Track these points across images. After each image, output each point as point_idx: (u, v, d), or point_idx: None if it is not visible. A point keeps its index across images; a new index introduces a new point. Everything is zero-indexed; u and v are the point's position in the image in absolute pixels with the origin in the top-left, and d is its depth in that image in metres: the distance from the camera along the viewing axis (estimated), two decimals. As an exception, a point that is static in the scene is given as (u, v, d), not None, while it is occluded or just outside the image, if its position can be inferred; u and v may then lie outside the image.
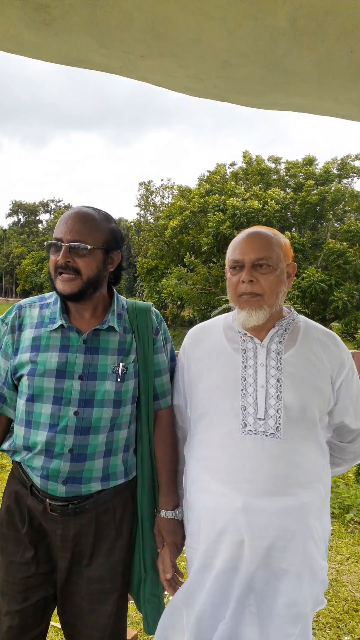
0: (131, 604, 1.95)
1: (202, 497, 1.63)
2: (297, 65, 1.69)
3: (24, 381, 1.60)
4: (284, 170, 31.60)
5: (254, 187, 28.22)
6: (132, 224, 48.38)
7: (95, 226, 1.61)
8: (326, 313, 25.61)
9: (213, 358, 1.70)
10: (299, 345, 1.64)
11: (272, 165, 31.40)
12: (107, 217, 1.67)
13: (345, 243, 24.87)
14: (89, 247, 1.57)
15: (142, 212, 48.14)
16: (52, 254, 1.60)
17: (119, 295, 1.78)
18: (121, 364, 1.64)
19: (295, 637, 1.52)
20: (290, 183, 30.42)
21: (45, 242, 1.63)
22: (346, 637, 2.69)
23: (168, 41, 1.55)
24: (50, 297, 1.73)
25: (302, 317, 1.74)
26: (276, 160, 31.99)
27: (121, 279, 1.83)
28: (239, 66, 1.67)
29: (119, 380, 1.63)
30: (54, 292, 1.75)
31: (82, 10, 1.40)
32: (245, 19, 1.45)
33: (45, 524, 1.60)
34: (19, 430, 1.62)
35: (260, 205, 25.70)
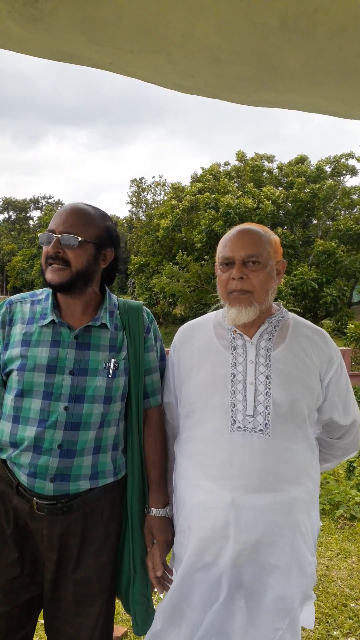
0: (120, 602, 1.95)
1: (191, 493, 1.64)
2: (287, 62, 1.69)
3: (14, 376, 1.59)
4: (276, 168, 31.65)
5: (247, 184, 28.21)
6: (124, 221, 48.26)
7: (88, 220, 1.62)
8: (317, 310, 25.72)
9: (203, 355, 1.71)
10: (288, 343, 1.65)
11: (265, 164, 31.44)
12: (103, 215, 1.69)
13: (334, 242, 24.95)
14: (80, 239, 1.57)
15: (134, 209, 48.03)
16: (44, 245, 1.60)
17: (111, 293, 1.78)
18: (112, 360, 1.64)
19: (283, 631, 1.53)
20: (283, 181, 30.49)
21: (39, 234, 1.64)
22: (335, 632, 2.71)
23: (158, 37, 1.54)
24: (42, 293, 1.73)
25: (291, 314, 1.75)
26: (269, 159, 32.04)
27: (115, 279, 1.82)
28: (229, 63, 1.67)
29: (110, 376, 1.62)
30: (45, 288, 1.75)
31: (71, 5, 1.39)
32: (236, 16, 1.45)
33: (31, 524, 1.59)
34: (5, 426, 1.61)
35: (254, 204, 25.70)
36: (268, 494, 1.53)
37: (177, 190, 33.56)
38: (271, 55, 1.64)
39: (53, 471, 1.54)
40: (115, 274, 1.78)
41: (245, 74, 1.74)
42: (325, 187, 27.25)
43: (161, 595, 1.74)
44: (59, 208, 1.69)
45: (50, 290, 1.68)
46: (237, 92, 1.89)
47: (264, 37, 1.55)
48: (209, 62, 1.67)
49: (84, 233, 1.59)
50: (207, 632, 1.58)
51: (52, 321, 1.61)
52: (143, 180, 47.90)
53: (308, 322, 1.75)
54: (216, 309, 1.86)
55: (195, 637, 1.60)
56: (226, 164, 33.00)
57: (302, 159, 30.62)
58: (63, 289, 1.60)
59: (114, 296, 1.79)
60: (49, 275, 1.59)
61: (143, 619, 1.71)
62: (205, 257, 27.93)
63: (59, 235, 1.57)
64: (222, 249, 1.68)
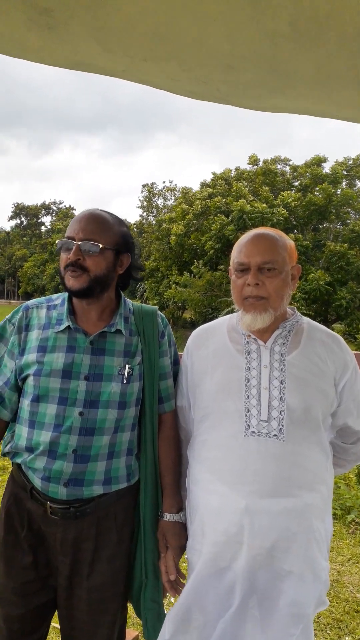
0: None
1: (205, 498, 1.63)
2: (298, 68, 1.70)
3: (30, 381, 1.60)
4: (289, 170, 31.44)
5: (263, 188, 28.08)
6: (135, 225, 48.42)
7: (107, 227, 1.63)
8: (328, 314, 25.58)
9: (217, 359, 1.71)
10: (302, 347, 1.65)
11: (279, 167, 31.25)
12: (119, 221, 1.70)
13: (345, 245, 24.78)
14: (100, 246, 1.59)
15: (145, 214, 48.20)
16: (63, 252, 1.62)
17: (126, 298, 1.79)
18: (127, 366, 1.64)
19: (297, 637, 1.52)
20: (296, 184, 30.28)
21: (57, 241, 1.65)
22: (347, 638, 2.69)
23: (171, 45, 1.56)
24: (57, 298, 1.74)
25: (305, 319, 1.74)
26: (282, 162, 31.85)
27: (129, 285, 1.84)
28: (241, 70, 1.69)
29: (124, 381, 1.63)
30: (60, 293, 1.76)
31: (86, 14, 1.41)
32: (247, 23, 1.46)
33: (44, 527, 1.60)
34: (22, 430, 1.61)
35: (270, 210, 25.53)
36: (282, 499, 1.53)
37: (187, 195, 33.55)
38: (282, 61, 1.65)
39: (67, 476, 1.55)
40: (129, 280, 1.79)
41: (256, 80, 1.75)
42: (339, 192, 27.04)
43: (172, 600, 1.73)
44: (76, 214, 1.70)
45: (66, 295, 1.70)
46: (249, 98, 1.90)
47: (275, 43, 1.56)
48: (221, 68, 1.68)
49: (103, 240, 1.60)
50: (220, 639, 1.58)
51: (68, 327, 1.62)
52: (154, 185, 48.08)
53: (323, 326, 1.74)
54: (227, 313, 1.86)
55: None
56: (237, 169, 32.91)
57: (319, 160, 30.17)
58: (82, 294, 1.61)
59: (128, 301, 1.80)
60: (70, 282, 1.60)
61: (154, 624, 1.71)
62: (220, 264, 27.82)
63: (79, 243, 1.58)
64: (237, 254, 1.67)
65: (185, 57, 1.62)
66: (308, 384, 1.60)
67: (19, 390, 1.67)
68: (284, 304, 1.65)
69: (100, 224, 1.63)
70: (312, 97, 1.87)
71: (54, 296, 1.77)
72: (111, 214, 1.69)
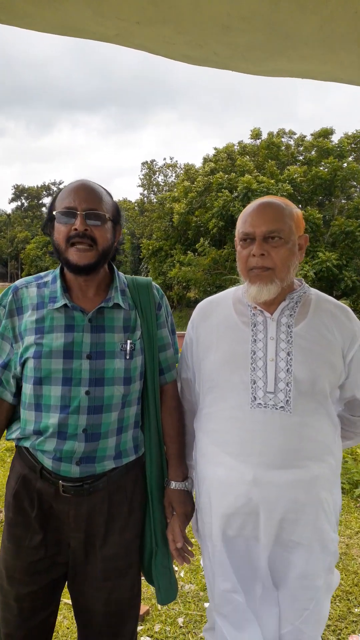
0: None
1: (212, 470, 1.63)
2: (299, 28, 1.62)
3: (30, 364, 1.56)
4: (294, 143, 30.89)
5: (269, 162, 27.63)
6: (136, 204, 47.97)
7: (105, 197, 1.59)
8: (334, 291, 25.47)
9: (222, 332, 1.68)
10: (310, 319, 1.61)
11: (283, 140, 30.69)
12: (109, 192, 1.66)
13: (354, 221, 24.48)
14: (107, 215, 1.55)
15: (146, 192, 47.73)
16: (62, 224, 1.54)
17: (118, 272, 1.75)
18: (129, 341, 1.62)
19: (310, 612, 1.53)
20: (301, 158, 29.80)
21: (54, 212, 1.57)
22: (356, 610, 2.71)
23: (165, 6, 1.49)
24: (47, 275, 1.68)
25: (313, 290, 1.70)
26: (287, 135, 31.25)
27: (115, 260, 1.78)
28: (239, 31, 1.61)
29: (127, 357, 1.61)
30: (49, 270, 1.71)
31: (75, -25, 1.34)
32: (245, -20, 1.39)
33: (56, 505, 1.59)
34: (27, 415, 1.59)
35: (275, 186, 25.14)
36: (290, 470, 1.51)
37: (189, 172, 33.13)
38: (283, 21, 1.58)
39: (79, 455, 1.54)
40: (116, 253, 1.73)
41: (256, 42, 1.68)
42: (345, 165, 26.60)
43: (182, 574, 1.73)
44: (66, 186, 1.61)
45: (57, 272, 1.64)
46: (248, 62, 1.82)
47: (275, 2, 1.48)
48: (218, 30, 1.61)
49: (105, 210, 1.56)
50: (233, 609, 1.60)
51: (64, 305, 1.57)
52: (154, 162, 47.55)
53: (331, 297, 1.70)
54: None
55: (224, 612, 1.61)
56: (240, 143, 32.36)
57: (326, 133, 29.50)
58: (88, 270, 1.55)
59: (121, 274, 1.75)
60: (75, 257, 1.52)
61: (166, 588, 1.73)
62: (225, 246, 27.58)
63: (84, 212, 1.52)
64: (241, 223, 1.62)
65: (180, 19, 1.55)
66: (315, 355, 1.56)
67: (15, 374, 1.63)
68: (291, 275, 1.60)
69: (99, 193, 1.57)
70: (315, 59, 1.80)
71: (42, 274, 1.71)
72: (100, 185, 1.63)
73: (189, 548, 1.74)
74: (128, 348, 1.61)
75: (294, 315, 1.61)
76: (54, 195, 1.63)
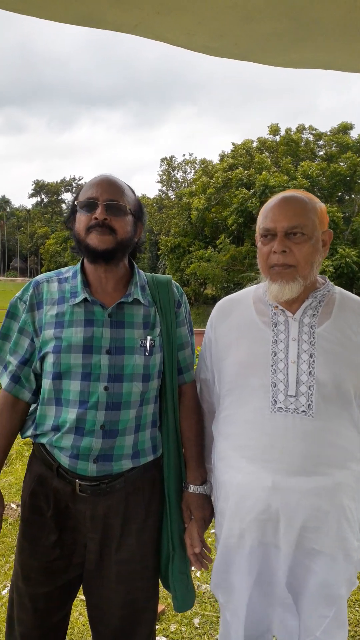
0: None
1: (230, 475, 1.59)
2: (322, 17, 1.58)
3: (49, 359, 1.55)
4: (313, 139, 30.54)
5: (283, 159, 27.43)
6: (154, 201, 47.96)
7: (127, 191, 1.60)
8: (354, 287, 25.16)
9: (242, 332, 1.63)
10: (334, 319, 1.54)
11: (303, 136, 30.38)
12: (132, 189, 1.66)
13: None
14: (128, 207, 1.56)
15: (164, 188, 47.69)
16: (83, 214, 1.55)
17: (138, 269, 1.73)
18: (148, 337, 1.60)
19: (330, 619, 1.49)
20: (320, 153, 29.46)
21: (76, 202, 1.58)
22: (377, 614, 2.65)
23: (185, -5, 1.46)
24: (68, 271, 1.68)
25: (337, 288, 1.63)
26: (306, 130, 30.90)
27: (137, 256, 1.78)
28: (260, 20, 1.57)
29: (147, 354, 1.59)
30: (70, 266, 1.71)
31: None
32: (268, -33, 1.35)
33: (72, 505, 1.58)
34: (46, 410, 1.58)
35: (291, 182, 24.95)
36: (311, 477, 1.46)
37: (207, 168, 33.00)
38: (306, 10, 1.53)
39: (97, 452, 1.52)
40: (136, 250, 1.74)
41: (277, 32, 1.63)
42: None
43: (198, 574, 1.71)
44: (90, 180, 1.63)
45: (78, 267, 1.64)
46: (270, 52, 1.78)
47: (298, -10, 1.44)
48: (239, 20, 1.57)
49: (126, 202, 1.57)
50: (249, 617, 1.56)
51: (84, 300, 1.57)
52: (173, 158, 47.50)
53: (356, 296, 1.63)
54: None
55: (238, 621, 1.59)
56: (259, 139, 32.08)
57: (345, 127, 29.04)
58: (107, 256, 1.54)
59: (141, 271, 1.74)
60: (94, 241, 1.52)
61: (183, 596, 1.70)
62: (243, 238, 27.44)
63: (105, 203, 1.53)
64: (262, 219, 1.56)
65: (200, 9, 1.52)
66: (339, 357, 1.50)
67: (35, 369, 1.62)
68: (314, 273, 1.54)
69: (121, 187, 1.59)
70: (338, 49, 1.76)
71: (63, 269, 1.71)
72: (123, 181, 1.65)
73: (207, 553, 1.70)
74: (148, 344, 1.59)
75: (317, 315, 1.55)
76: (77, 190, 1.64)
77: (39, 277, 1.69)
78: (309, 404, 1.48)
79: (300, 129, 30.96)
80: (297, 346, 1.53)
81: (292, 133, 30.21)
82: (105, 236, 1.52)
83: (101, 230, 1.52)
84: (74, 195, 1.65)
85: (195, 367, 1.83)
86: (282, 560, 1.52)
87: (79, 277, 1.61)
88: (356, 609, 2.71)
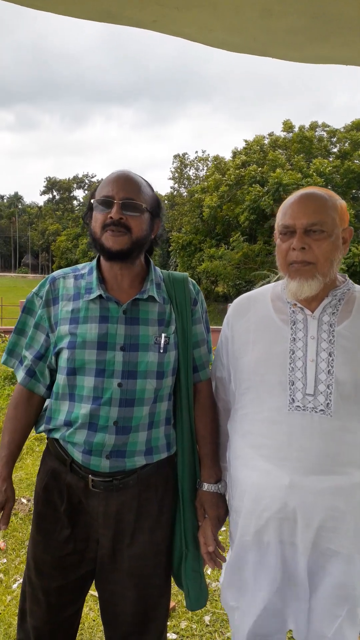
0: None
1: (246, 473, 1.58)
2: (343, 12, 1.55)
3: (64, 355, 1.56)
4: (327, 136, 30.30)
5: (296, 157, 27.26)
6: (166, 198, 47.96)
7: (144, 189, 1.59)
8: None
9: (259, 330, 1.62)
10: (354, 317, 1.53)
11: (316, 133, 30.15)
12: (150, 185, 1.65)
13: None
14: (144, 205, 1.54)
15: (176, 185, 47.64)
16: (99, 212, 1.55)
17: (154, 265, 1.73)
18: (163, 335, 1.60)
19: (343, 619, 1.48)
20: (334, 150, 29.23)
21: (92, 200, 1.58)
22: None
23: (204, -10, 1.45)
24: (84, 267, 1.69)
25: (358, 287, 1.62)
26: (320, 127, 30.68)
27: (154, 251, 1.78)
28: (279, 15, 1.55)
29: (161, 351, 1.59)
30: (86, 263, 1.71)
31: None
32: None
33: (85, 500, 1.58)
34: (60, 405, 1.59)
35: (305, 180, 24.76)
36: (329, 477, 1.45)
37: (219, 163, 32.85)
38: (325, 4, 1.51)
39: (109, 448, 1.53)
40: (153, 247, 1.73)
41: (296, 27, 1.62)
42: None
43: (208, 572, 1.71)
44: (107, 176, 1.63)
45: (94, 264, 1.64)
46: (288, 48, 1.76)
47: (319, -16, 1.43)
48: (257, 15, 1.55)
49: (143, 200, 1.56)
50: (263, 613, 1.56)
51: (99, 296, 1.57)
52: (186, 155, 47.42)
53: None
54: (262, 285, 1.76)
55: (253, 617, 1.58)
56: (270, 134, 31.87)
57: (359, 125, 28.81)
58: (122, 256, 1.54)
59: (157, 268, 1.73)
60: (110, 242, 1.52)
61: (196, 594, 1.70)
62: (256, 235, 27.29)
63: (121, 202, 1.52)
64: (281, 215, 1.55)
65: (219, 4, 1.51)
66: (359, 356, 1.49)
67: (50, 364, 1.63)
68: (334, 270, 1.52)
69: (138, 184, 1.57)
70: (358, 44, 1.72)
71: (79, 266, 1.71)
72: (141, 177, 1.63)
73: (221, 552, 1.70)
74: (162, 342, 1.59)
75: (337, 314, 1.54)
76: (95, 186, 1.64)
77: (55, 273, 1.70)
78: (328, 403, 1.47)
79: (314, 126, 30.75)
80: (316, 344, 1.51)
81: (305, 130, 30.01)
82: (120, 237, 1.52)
83: (116, 229, 1.51)
84: (91, 192, 1.65)
85: (210, 365, 1.82)
86: (301, 559, 1.51)
87: (94, 273, 1.61)
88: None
